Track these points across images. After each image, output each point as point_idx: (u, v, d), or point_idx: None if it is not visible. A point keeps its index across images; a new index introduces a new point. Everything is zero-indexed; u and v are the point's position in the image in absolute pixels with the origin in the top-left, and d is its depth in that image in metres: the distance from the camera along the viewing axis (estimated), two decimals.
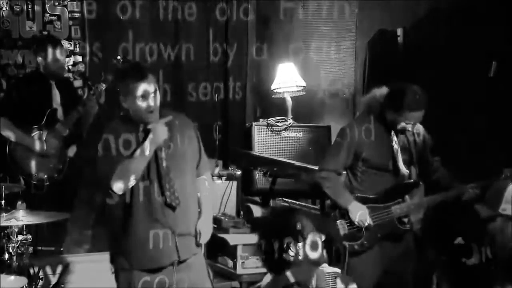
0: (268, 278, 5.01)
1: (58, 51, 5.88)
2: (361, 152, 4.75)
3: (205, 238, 4.17)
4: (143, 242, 3.98)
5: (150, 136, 3.97)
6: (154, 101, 3.98)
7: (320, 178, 4.82)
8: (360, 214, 4.65)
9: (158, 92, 4.02)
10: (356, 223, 4.66)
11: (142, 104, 3.98)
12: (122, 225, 4.04)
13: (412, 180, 4.82)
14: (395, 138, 4.77)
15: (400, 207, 4.73)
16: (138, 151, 3.94)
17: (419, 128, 4.90)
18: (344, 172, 4.89)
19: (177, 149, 4.10)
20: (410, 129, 4.71)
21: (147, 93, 3.97)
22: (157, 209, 4.01)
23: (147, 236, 3.98)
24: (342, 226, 4.73)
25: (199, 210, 4.21)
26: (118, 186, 3.94)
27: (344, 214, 4.74)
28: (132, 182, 3.94)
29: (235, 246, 5.40)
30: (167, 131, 4.00)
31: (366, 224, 4.66)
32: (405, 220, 4.77)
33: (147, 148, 3.95)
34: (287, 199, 5.96)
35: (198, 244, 4.16)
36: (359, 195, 4.75)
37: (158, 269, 4.04)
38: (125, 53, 5.61)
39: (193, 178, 4.21)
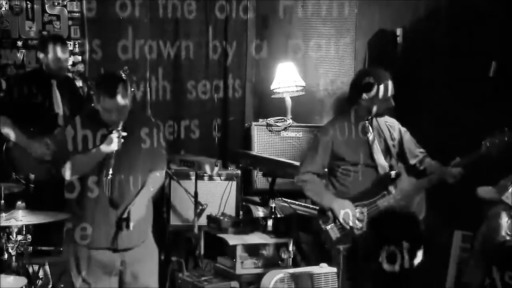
0: (269, 276, 5.04)
1: (60, 50, 5.88)
2: (338, 152, 4.77)
3: (132, 218, 4.48)
4: (89, 224, 4.49)
5: (104, 143, 4.40)
6: (119, 114, 4.40)
7: (300, 181, 4.84)
8: (344, 213, 4.65)
9: (127, 104, 4.42)
10: (341, 220, 4.66)
11: (108, 115, 4.41)
12: (76, 208, 4.55)
13: (393, 171, 4.82)
14: (370, 130, 4.79)
15: (386, 199, 4.72)
16: (88, 153, 4.41)
17: (394, 122, 4.93)
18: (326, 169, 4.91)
19: (128, 151, 4.49)
20: (390, 105, 4.73)
21: (114, 109, 4.37)
22: (103, 203, 4.48)
23: (92, 221, 4.50)
24: (332, 231, 4.73)
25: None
26: (67, 173, 4.45)
27: (334, 217, 4.74)
28: (77, 173, 4.43)
29: (235, 246, 5.39)
30: (118, 144, 4.38)
31: (350, 224, 4.64)
32: None
33: (96, 154, 4.41)
34: (286, 199, 5.96)
35: (128, 226, 4.49)
36: (346, 197, 4.75)
37: (99, 249, 4.53)
38: (130, 69, 5.70)
39: (143, 173, 4.62)
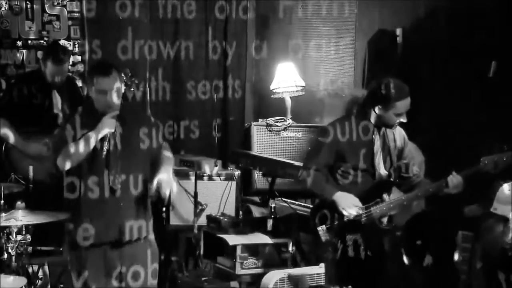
0: (269, 276, 5.05)
1: (62, 64, 5.89)
2: (342, 153, 4.75)
3: (166, 188, 4.39)
4: (90, 219, 4.44)
5: (98, 125, 4.38)
6: (113, 96, 4.40)
7: (302, 177, 4.81)
8: (345, 206, 4.64)
9: (121, 89, 4.46)
10: (344, 212, 4.65)
11: (102, 98, 4.40)
12: (77, 201, 4.46)
13: (388, 179, 4.81)
14: (377, 137, 4.78)
15: (380, 207, 4.71)
16: (83, 138, 4.37)
17: (401, 131, 4.91)
18: None
19: (126, 141, 4.48)
20: (403, 120, 4.71)
21: (108, 89, 4.38)
22: (103, 193, 4.42)
23: (93, 215, 4.45)
24: (323, 233, 4.71)
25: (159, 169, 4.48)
26: (60, 163, 4.40)
27: (325, 219, 4.73)
28: (73, 162, 4.38)
29: (234, 246, 5.39)
30: (113, 124, 4.40)
31: (354, 214, 4.64)
32: (385, 220, 4.75)
33: (92, 137, 4.37)
34: (286, 199, 5.96)
35: (161, 196, 4.42)
36: None
37: (100, 244, 4.47)
38: (132, 72, 5.73)
39: (143, 171, 4.52)
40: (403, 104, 4.66)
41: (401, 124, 4.84)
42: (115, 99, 4.42)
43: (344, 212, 4.66)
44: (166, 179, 4.40)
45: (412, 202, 4.84)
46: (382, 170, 4.79)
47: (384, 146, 4.83)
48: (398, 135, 4.90)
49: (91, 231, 4.44)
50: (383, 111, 4.69)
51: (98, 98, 4.43)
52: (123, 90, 4.50)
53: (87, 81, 4.57)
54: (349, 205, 4.66)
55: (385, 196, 4.74)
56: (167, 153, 4.63)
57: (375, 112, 4.72)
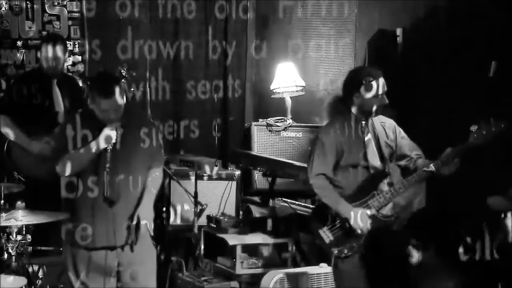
0: (269, 276, 5.06)
1: (52, 50, 5.87)
2: (341, 151, 4.75)
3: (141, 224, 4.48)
4: (88, 222, 4.46)
5: (99, 137, 4.39)
6: (116, 113, 4.40)
7: (317, 187, 4.78)
8: (360, 222, 4.61)
9: (123, 103, 4.42)
10: (358, 231, 4.62)
11: (104, 114, 4.40)
12: (72, 207, 4.51)
13: (382, 170, 4.80)
14: (366, 130, 4.78)
15: (377, 199, 4.69)
16: (85, 147, 4.39)
17: (390, 122, 4.91)
18: None
19: (126, 149, 4.47)
20: (385, 102, 4.72)
21: (111, 109, 4.38)
22: (99, 202, 4.43)
23: (89, 221, 4.46)
24: (326, 235, 4.69)
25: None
26: (61, 169, 4.43)
27: (326, 220, 4.72)
28: (74, 170, 4.39)
29: (234, 246, 5.40)
30: (115, 136, 4.40)
31: (367, 230, 4.61)
32: (387, 212, 4.73)
33: (94, 147, 4.39)
34: (286, 199, 5.97)
35: (136, 232, 4.49)
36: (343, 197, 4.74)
37: (97, 249, 4.49)
38: (129, 66, 5.70)
39: (143, 176, 4.56)
40: (377, 84, 4.68)
41: (398, 122, 4.85)
42: (118, 114, 4.42)
43: (358, 231, 4.63)
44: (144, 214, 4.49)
45: (409, 189, 4.81)
46: (376, 162, 4.78)
47: (374, 138, 4.83)
48: (388, 127, 4.89)
49: (88, 231, 4.45)
50: (361, 97, 4.70)
51: (99, 113, 4.42)
52: (124, 100, 4.47)
53: (88, 95, 4.49)
54: (364, 225, 4.62)
55: (382, 186, 4.73)
56: (157, 174, 4.66)
57: (355, 104, 4.73)
